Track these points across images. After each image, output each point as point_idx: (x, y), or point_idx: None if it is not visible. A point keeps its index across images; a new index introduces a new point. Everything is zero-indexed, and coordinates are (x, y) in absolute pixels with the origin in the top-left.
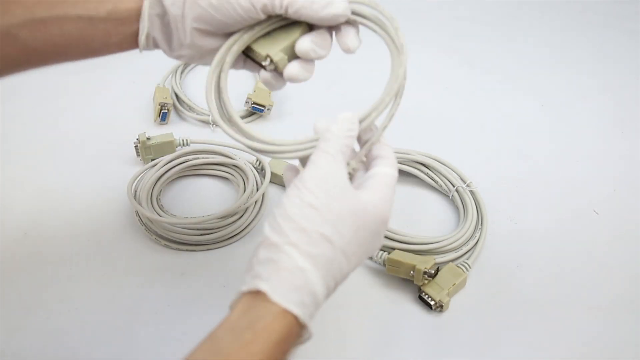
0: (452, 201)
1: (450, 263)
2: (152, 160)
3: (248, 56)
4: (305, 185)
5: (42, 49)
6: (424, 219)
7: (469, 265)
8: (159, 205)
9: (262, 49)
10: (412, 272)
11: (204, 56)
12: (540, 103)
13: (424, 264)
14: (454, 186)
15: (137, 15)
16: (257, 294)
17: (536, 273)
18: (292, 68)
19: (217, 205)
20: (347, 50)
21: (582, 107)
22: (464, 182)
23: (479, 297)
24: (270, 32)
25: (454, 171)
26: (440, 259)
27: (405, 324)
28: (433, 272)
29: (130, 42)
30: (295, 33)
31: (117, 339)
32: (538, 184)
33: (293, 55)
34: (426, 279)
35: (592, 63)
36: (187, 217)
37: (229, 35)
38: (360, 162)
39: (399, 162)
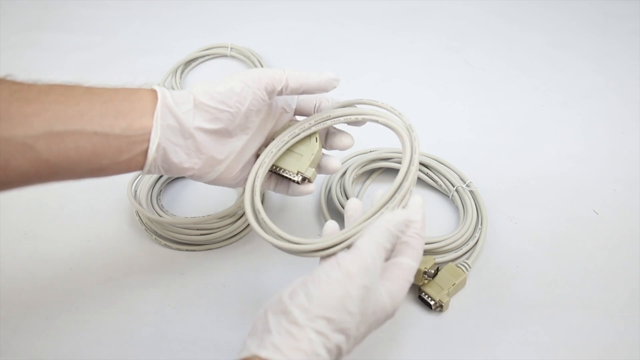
0: (452, 201)
1: (450, 263)
2: None
3: (275, 173)
4: (348, 270)
5: (54, 162)
6: None
7: (468, 265)
8: (159, 205)
9: (292, 167)
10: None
11: (214, 166)
12: (540, 103)
13: (424, 263)
14: (453, 186)
15: (149, 134)
16: None
17: (536, 273)
18: (334, 165)
19: (217, 205)
20: (344, 148)
21: (582, 107)
22: (464, 182)
23: (479, 297)
24: (288, 150)
25: (453, 171)
26: (440, 259)
27: (405, 324)
28: (433, 272)
29: (138, 161)
30: (312, 144)
31: (117, 339)
32: (538, 184)
33: (316, 163)
34: (426, 279)
35: (592, 63)
36: (187, 217)
37: (235, 138)
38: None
39: (399, 162)
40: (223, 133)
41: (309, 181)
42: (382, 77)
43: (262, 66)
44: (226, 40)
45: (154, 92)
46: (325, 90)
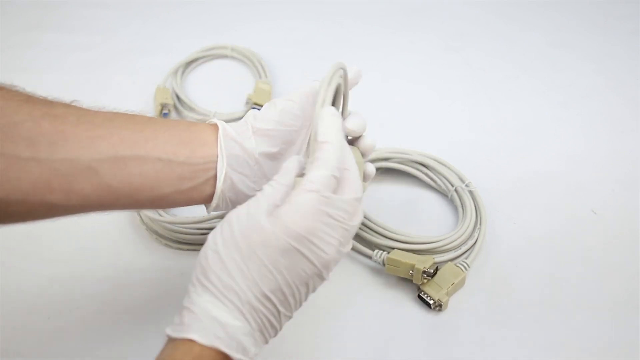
0: (451, 201)
1: (449, 262)
2: None
3: None
4: (221, 226)
5: (117, 188)
6: (423, 218)
7: (467, 265)
8: None
9: None
10: (411, 271)
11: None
12: (539, 103)
13: (423, 263)
14: (453, 186)
15: (212, 162)
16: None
17: (535, 273)
18: (371, 170)
19: None
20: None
21: (582, 107)
22: (463, 182)
23: (478, 296)
24: None
25: (453, 171)
26: (439, 258)
27: (404, 323)
28: (432, 271)
29: (201, 191)
30: (355, 153)
31: (117, 339)
32: (537, 183)
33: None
34: (425, 279)
35: (592, 63)
36: (188, 216)
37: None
38: None
39: (399, 162)
40: (283, 155)
41: None
42: (382, 77)
43: (262, 67)
44: (226, 41)
45: (214, 125)
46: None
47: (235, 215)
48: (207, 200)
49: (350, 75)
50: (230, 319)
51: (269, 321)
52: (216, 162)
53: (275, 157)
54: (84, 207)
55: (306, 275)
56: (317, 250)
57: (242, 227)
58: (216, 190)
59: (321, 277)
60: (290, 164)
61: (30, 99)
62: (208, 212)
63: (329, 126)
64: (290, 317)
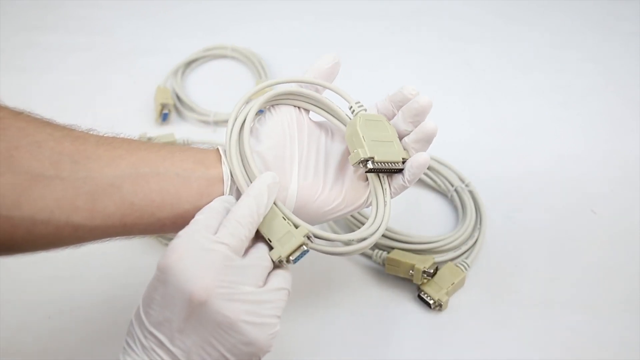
0: (451, 201)
1: (449, 262)
2: None
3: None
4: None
5: (139, 205)
6: (423, 218)
7: (467, 265)
8: None
9: (390, 156)
10: (411, 271)
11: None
12: (539, 103)
13: (423, 263)
14: (452, 186)
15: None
16: None
17: (534, 272)
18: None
19: None
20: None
21: (582, 107)
22: (463, 182)
23: (478, 296)
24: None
25: (452, 171)
26: (439, 258)
27: (404, 323)
28: (432, 271)
29: None
30: (388, 126)
31: (117, 339)
32: (536, 183)
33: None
34: (425, 278)
35: (592, 63)
36: None
37: None
38: None
39: None
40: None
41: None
42: (382, 78)
43: (262, 67)
44: (226, 41)
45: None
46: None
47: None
48: None
49: (325, 66)
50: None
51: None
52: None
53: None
54: (108, 229)
55: (182, 310)
56: (184, 280)
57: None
58: (224, 191)
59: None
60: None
61: (50, 122)
62: None
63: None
64: None
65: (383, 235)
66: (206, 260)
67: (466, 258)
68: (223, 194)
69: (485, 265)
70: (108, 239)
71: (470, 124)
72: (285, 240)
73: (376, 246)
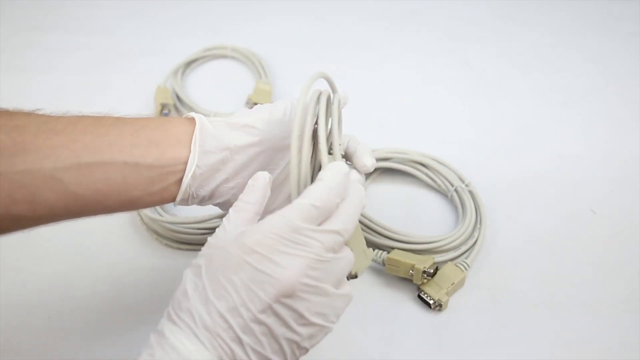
0: (451, 201)
1: (449, 262)
2: None
3: None
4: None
5: (83, 195)
6: (423, 218)
7: (467, 265)
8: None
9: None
10: (411, 271)
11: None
12: (539, 103)
13: (423, 263)
14: (452, 186)
15: (182, 164)
16: None
17: (535, 272)
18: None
19: None
20: (365, 170)
21: (582, 107)
22: (463, 182)
23: (478, 296)
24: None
25: (452, 171)
26: (439, 258)
27: (404, 323)
28: (432, 271)
29: (172, 191)
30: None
31: (117, 339)
32: (537, 183)
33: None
34: (425, 278)
35: (592, 63)
36: (188, 216)
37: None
38: None
39: (399, 162)
40: (261, 158)
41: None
42: (382, 78)
43: (262, 67)
44: (226, 41)
45: (191, 119)
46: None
47: (207, 244)
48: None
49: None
50: (185, 342)
51: (230, 349)
52: (186, 163)
53: (255, 159)
54: (52, 217)
55: (266, 297)
56: (272, 266)
57: (207, 254)
58: (182, 187)
59: (290, 309)
60: (257, 181)
61: None
62: (175, 204)
63: (329, 172)
64: None
65: (384, 235)
66: (304, 250)
67: (466, 258)
68: (179, 181)
69: (485, 265)
70: (59, 222)
71: (470, 124)
72: (360, 258)
73: (376, 246)
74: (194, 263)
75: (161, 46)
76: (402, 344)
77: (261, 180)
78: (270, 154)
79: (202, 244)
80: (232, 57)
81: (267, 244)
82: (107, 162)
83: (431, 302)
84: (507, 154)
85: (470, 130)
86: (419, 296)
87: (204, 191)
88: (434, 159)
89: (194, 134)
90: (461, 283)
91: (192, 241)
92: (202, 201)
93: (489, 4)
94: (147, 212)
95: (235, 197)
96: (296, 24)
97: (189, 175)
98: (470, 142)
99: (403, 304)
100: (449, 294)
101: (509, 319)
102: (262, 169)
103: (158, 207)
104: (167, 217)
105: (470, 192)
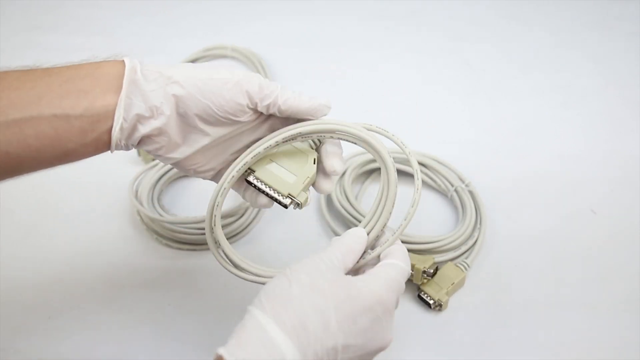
0: (451, 201)
1: (449, 262)
2: (153, 160)
3: (255, 187)
4: (293, 269)
5: (16, 153)
6: (423, 218)
7: (467, 265)
8: (160, 205)
9: (281, 187)
10: (411, 271)
11: (175, 149)
12: (539, 103)
13: (423, 263)
14: (452, 186)
15: (112, 111)
16: None
17: (534, 272)
18: (327, 186)
19: None
20: (333, 173)
21: (582, 107)
22: (463, 182)
23: (478, 296)
24: (269, 160)
25: (452, 171)
26: (439, 258)
27: (404, 323)
28: (432, 271)
29: (107, 140)
30: (309, 165)
31: (117, 338)
32: (537, 183)
33: (309, 187)
34: (425, 278)
35: (592, 63)
36: (188, 216)
37: (203, 133)
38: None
39: (399, 162)
40: (200, 118)
41: (299, 207)
42: (382, 78)
43: (262, 67)
44: (226, 41)
45: (122, 64)
46: (314, 117)
47: (311, 262)
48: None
49: (309, 105)
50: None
51: None
52: (114, 111)
53: (182, 121)
54: None
55: (373, 346)
56: (388, 325)
57: (323, 275)
58: (112, 139)
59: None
60: (356, 233)
61: None
62: (111, 152)
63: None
64: None
65: None
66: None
67: (466, 258)
68: (111, 129)
69: (485, 265)
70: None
71: (470, 124)
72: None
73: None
74: (292, 274)
75: (161, 46)
76: (402, 343)
77: (361, 233)
78: (214, 119)
79: (202, 244)
80: (232, 57)
81: (391, 301)
82: (35, 117)
83: (431, 302)
84: (507, 154)
85: (470, 130)
86: (419, 296)
87: (135, 139)
88: (433, 159)
89: (123, 86)
90: (461, 283)
91: (191, 241)
92: (140, 146)
93: (489, 4)
94: (147, 212)
95: (164, 150)
96: (296, 24)
97: (117, 128)
98: (470, 142)
99: (403, 304)
100: (449, 294)
101: (509, 319)
102: (199, 131)
103: (158, 207)
104: (167, 217)
105: (470, 192)
